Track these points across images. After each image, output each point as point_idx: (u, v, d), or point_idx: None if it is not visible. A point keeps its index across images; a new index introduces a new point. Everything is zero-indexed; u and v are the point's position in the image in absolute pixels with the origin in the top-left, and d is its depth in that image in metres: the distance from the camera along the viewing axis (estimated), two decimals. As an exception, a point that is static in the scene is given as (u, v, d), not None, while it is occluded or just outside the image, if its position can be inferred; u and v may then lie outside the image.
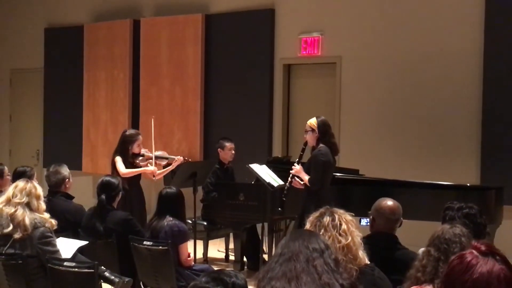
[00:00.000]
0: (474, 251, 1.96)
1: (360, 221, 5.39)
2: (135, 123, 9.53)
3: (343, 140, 8.10)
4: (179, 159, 6.97)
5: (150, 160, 6.87)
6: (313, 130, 5.94)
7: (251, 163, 6.57)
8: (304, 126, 6.10)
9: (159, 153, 7.11)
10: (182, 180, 6.70)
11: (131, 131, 7.04)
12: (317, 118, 5.99)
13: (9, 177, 5.80)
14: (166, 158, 7.03)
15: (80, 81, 10.41)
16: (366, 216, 4.30)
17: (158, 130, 8.99)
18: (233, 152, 7.34)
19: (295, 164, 6.02)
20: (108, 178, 5.37)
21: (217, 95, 9.26)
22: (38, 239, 4.37)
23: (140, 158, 6.88)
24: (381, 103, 8.10)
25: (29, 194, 4.47)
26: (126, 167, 6.69)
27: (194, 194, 6.77)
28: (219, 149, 7.38)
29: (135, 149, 6.82)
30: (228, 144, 7.34)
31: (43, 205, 4.54)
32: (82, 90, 10.39)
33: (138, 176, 6.80)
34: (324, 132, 5.93)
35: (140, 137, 6.91)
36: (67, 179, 5.55)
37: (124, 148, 6.80)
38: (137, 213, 6.43)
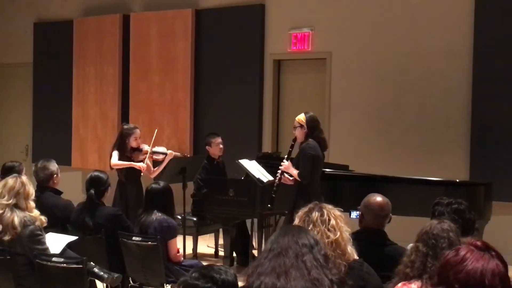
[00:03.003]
0: (470, 246, 1.99)
1: (350, 214, 5.41)
2: (125, 118, 9.49)
3: (333, 136, 8.11)
4: (170, 153, 6.97)
5: (149, 155, 6.88)
6: (301, 125, 5.95)
7: (240, 159, 6.57)
8: (294, 122, 6.10)
9: (158, 148, 7.09)
10: (171, 175, 6.70)
11: (129, 125, 7.05)
12: (305, 113, 6.01)
13: (-3, 172, 5.77)
14: (164, 154, 7.01)
15: (69, 76, 10.37)
16: (355, 210, 4.31)
17: (148, 126, 8.97)
18: (221, 146, 7.32)
19: (284, 160, 6.02)
20: (97, 173, 5.35)
21: (207, 90, 9.24)
22: (27, 237, 4.34)
23: (137, 152, 6.88)
24: (371, 99, 8.11)
25: (17, 195, 4.38)
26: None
27: (184, 189, 6.76)
28: (207, 146, 7.36)
29: (132, 142, 6.82)
30: (214, 140, 7.32)
31: (32, 204, 4.45)
32: (71, 85, 10.35)
33: (137, 172, 6.78)
34: (313, 127, 5.94)
35: (138, 131, 6.90)
36: (55, 175, 5.52)
37: (122, 142, 6.80)
38: (133, 209, 6.41)
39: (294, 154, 6.11)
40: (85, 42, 10.18)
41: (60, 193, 5.54)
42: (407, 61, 7.87)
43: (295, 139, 6.06)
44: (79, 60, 10.28)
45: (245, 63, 8.92)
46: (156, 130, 7.18)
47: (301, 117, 5.97)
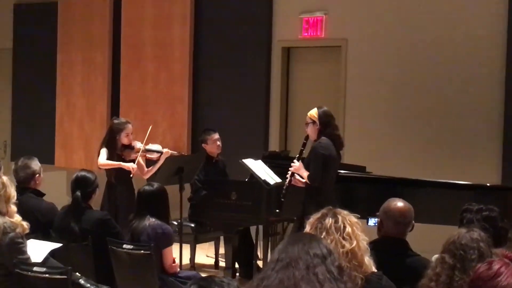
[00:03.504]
0: (504, 259, 1.99)
1: (367, 221, 5.42)
2: (115, 112, 9.50)
3: (349, 133, 8.10)
4: (166, 152, 6.99)
5: (142, 153, 6.89)
6: (314, 122, 5.98)
7: (244, 158, 6.57)
8: (304, 117, 6.11)
9: (152, 146, 7.10)
10: (167, 176, 6.70)
11: (119, 120, 7.06)
12: (318, 108, 6.04)
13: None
14: (159, 152, 7.03)
15: (53, 64, 10.38)
16: (373, 216, 4.33)
17: (140, 120, 8.98)
18: (218, 143, 7.33)
19: (295, 160, 6.04)
20: (83, 173, 5.37)
21: (207, 81, 9.24)
22: (7, 246, 4.32)
23: (129, 150, 6.89)
24: (392, 92, 8.10)
25: None
26: (114, 161, 6.74)
27: (181, 192, 6.76)
28: (203, 144, 7.38)
29: (123, 139, 6.85)
30: (210, 136, 7.33)
31: (13, 208, 4.41)
32: (55, 74, 10.37)
33: (128, 172, 6.81)
34: (326, 123, 5.96)
35: (129, 126, 6.92)
36: (38, 174, 5.53)
37: (111, 138, 6.83)
38: (124, 213, 6.42)
39: (306, 154, 6.12)
40: (71, 26, 10.19)
41: (42, 195, 5.56)
42: (433, 50, 7.84)
43: (307, 137, 6.09)
44: (64, 46, 10.29)
45: (250, 51, 8.91)
46: (150, 127, 7.19)
47: (313, 113, 6.00)
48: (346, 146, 6.43)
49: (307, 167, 5.96)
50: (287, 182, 6.07)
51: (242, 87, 8.96)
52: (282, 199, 6.07)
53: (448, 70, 7.78)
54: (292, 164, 6.05)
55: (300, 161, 6.04)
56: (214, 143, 7.34)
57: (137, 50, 9.66)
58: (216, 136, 7.35)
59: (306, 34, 8.64)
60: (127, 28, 9.76)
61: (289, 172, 6.06)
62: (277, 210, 6.16)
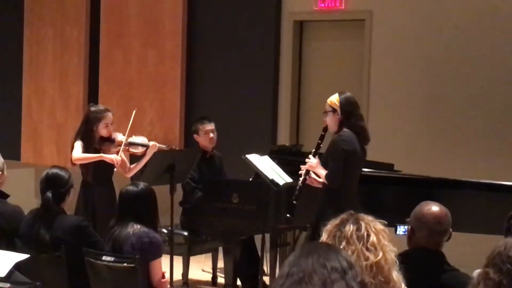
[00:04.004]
0: None
1: (395, 230, 5.41)
2: (93, 98, 9.52)
3: (374, 124, 8.08)
4: (153, 145, 6.99)
5: (124, 147, 6.90)
6: (334, 110, 5.98)
7: (248, 153, 6.57)
8: (321, 104, 6.10)
9: (136, 138, 7.11)
10: (154, 175, 6.72)
11: (97, 107, 7.07)
12: (339, 94, 6.04)
13: None
14: (144, 146, 7.03)
15: (19, 40, 10.39)
16: (403, 223, 4.33)
17: (123, 108, 8.99)
18: (211, 135, 7.33)
19: (311, 156, 6.04)
20: (55, 171, 5.38)
21: (203, 62, 9.24)
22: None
23: (108, 143, 6.91)
24: (426, 74, 8.09)
25: None
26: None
27: (172, 193, 6.78)
28: (194, 135, 7.39)
29: (102, 130, 6.87)
30: (203, 126, 7.33)
31: None
32: (21, 52, 10.38)
33: (108, 169, 6.83)
34: (349, 112, 5.96)
35: (110, 114, 6.93)
36: (0, 172, 5.55)
37: (88, 129, 6.84)
38: (103, 219, 6.44)
39: (324, 149, 6.11)
40: (41, -6, 10.23)
41: (6, 196, 5.57)
42: (478, 23, 7.82)
43: (325, 128, 6.09)
44: (32, 19, 10.30)
45: (255, 26, 8.91)
46: (134, 112, 7.19)
47: (334, 99, 5.99)
48: (371, 140, 6.43)
49: (324, 165, 5.96)
50: (300, 181, 6.07)
51: (245, 69, 8.96)
52: (295, 202, 6.06)
53: (496, 48, 7.76)
54: (307, 160, 6.04)
55: (317, 156, 6.04)
56: (206, 135, 7.33)
57: (120, 23, 9.66)
58: (210, 126, 7.35)
59: (323, 5, 8.63)
60: (108, -2, 9.78)
61: (303, 170, 6.06)
62: (288, 215, 6.17)
